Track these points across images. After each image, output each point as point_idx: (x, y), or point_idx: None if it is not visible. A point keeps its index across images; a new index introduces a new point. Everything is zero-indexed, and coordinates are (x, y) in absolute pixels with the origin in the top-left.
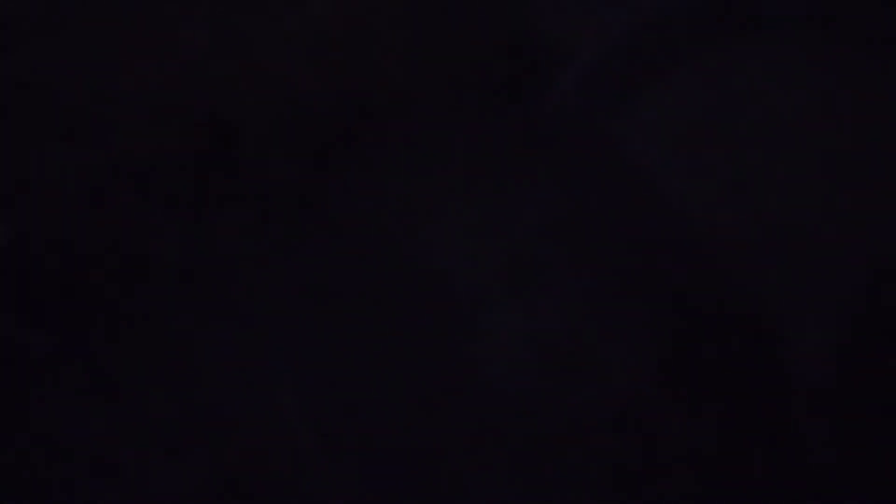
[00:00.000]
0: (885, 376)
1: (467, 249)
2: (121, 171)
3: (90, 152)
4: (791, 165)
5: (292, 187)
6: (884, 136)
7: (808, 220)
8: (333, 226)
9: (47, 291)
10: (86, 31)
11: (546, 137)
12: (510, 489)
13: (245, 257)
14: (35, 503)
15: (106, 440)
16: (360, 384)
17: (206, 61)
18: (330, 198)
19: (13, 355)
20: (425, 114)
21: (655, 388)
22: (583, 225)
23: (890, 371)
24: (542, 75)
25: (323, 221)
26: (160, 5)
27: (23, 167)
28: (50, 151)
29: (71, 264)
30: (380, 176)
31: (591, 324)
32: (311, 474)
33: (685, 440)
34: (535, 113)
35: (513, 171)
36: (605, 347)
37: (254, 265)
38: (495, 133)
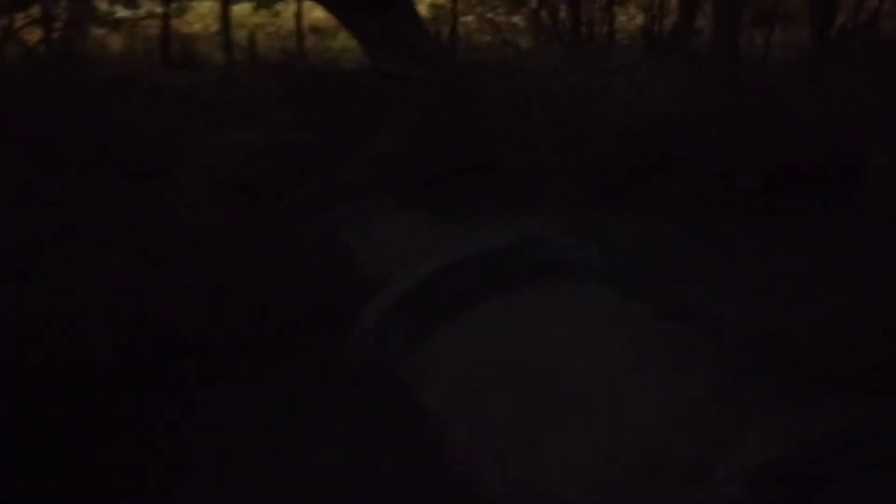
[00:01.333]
0: None
1: None
2: None
3: None
4: (570, 417)
5: None
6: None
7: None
8: None
9: None
10: None
11: (343, 381)
12: None
13: None
14: None
15: None
16: None
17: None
18: None
19: None
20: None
21: None
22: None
23: None
24: (351, 311)
25: None
26: None
27: None
28: None
29: None
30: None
31: None
32: None
33: None
34: (337, 353)
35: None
36: None
37: None
38: (291, 377)
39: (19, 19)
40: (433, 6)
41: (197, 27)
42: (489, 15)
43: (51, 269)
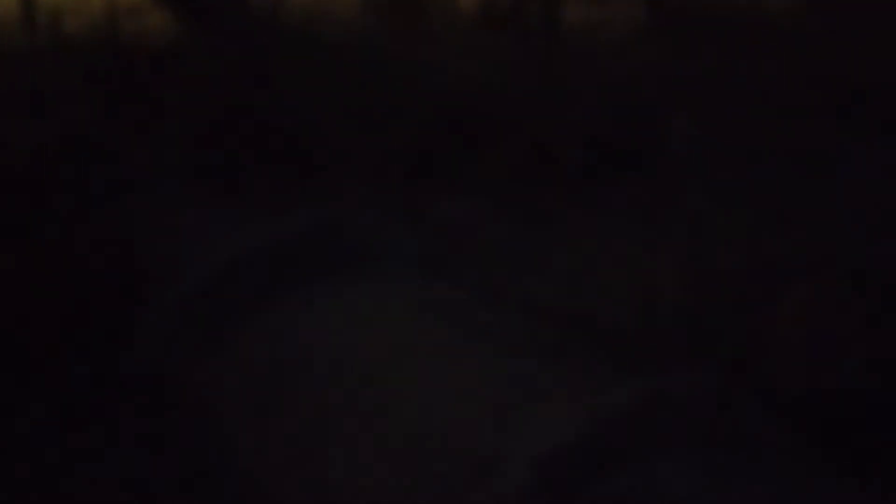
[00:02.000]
0: None
1: None
2: None
3: None
4: (368, 413)
5: None
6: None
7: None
8: None
9: None
10: None
11: (123, 391)
12: None
13: None
14: None
15: None
16: None
17: None
18: None
19: None
20: None
21: None
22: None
23: None
24: (135, 315)
25: None
26: None
27: None
28: None
29: None
30: None
31: None
32: None
33: None
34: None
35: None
36: None
37: None
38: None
39: None
40: None
41: None
42: None
43: None
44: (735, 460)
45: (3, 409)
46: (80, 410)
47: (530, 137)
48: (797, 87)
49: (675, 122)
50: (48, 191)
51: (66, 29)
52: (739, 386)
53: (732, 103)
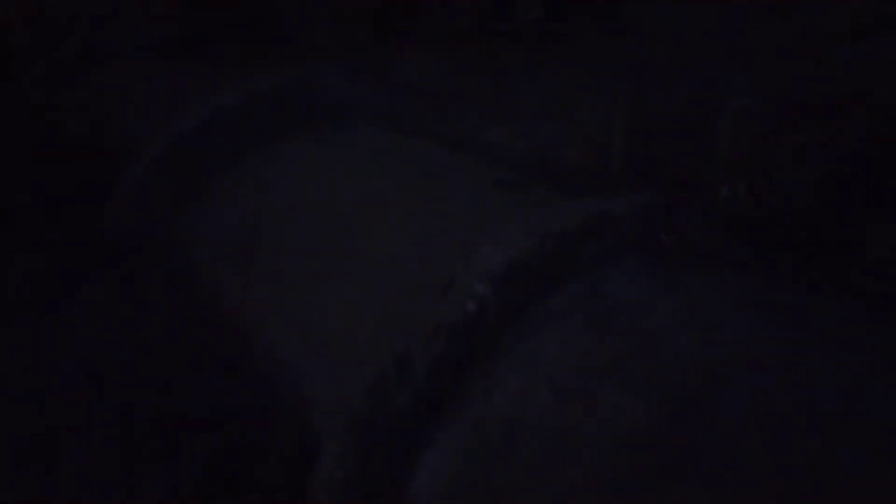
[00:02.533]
0: None
1: None
2: None
3: None
4: (342, 255)
5: None
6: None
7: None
8: None
9: None
10: None
11: (105, 250)
12: None
13: None
14: None
15: None
16: None
17: None
18: None
19: None
20: None
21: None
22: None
23: None
24: (110, 178)
25: None
26: None
27: None
28: None
29: None
30: None
31: None
32: None
33: None
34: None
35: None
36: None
37: None
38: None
39: None
40: None
41: None
42: None
43: None
44: (682, 269)
45: None
46: (60, 276)
47: None
48: None
49: None
50: (23, 63)
51: None
52: (684, 204)
53: None
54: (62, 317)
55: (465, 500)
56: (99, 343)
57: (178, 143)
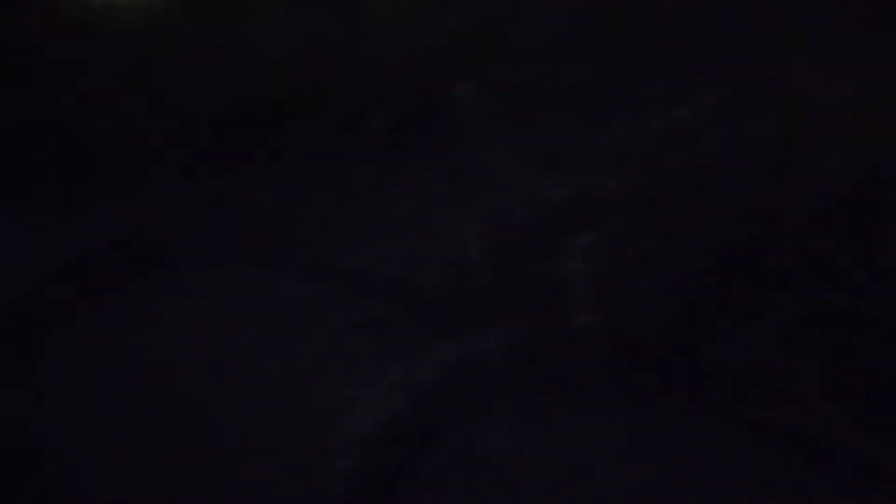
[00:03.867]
0: None
1: None
2: None
3: None
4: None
5: None
6: None
7: None
8: None
9: None
10: None
11: None
12: None
13: None
14: None
15: None
16: None
17: None
18: None
19: None
20: None
21: None
22: None
23: None
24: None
25: None
26: None
27: None
28: None
29: None
30: None
31: None
32: None
33: None
34: None
35: None
36: None
37: None
38: None
39: None
40: None
41: None
42: None
43: None
44: (554, 406)
45: None
46: None
47: (343, 107)
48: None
49: (459, 86)
50: None
51: None
52: (548, 334)
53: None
54: None
55: None
56: None
57: (17, 303)
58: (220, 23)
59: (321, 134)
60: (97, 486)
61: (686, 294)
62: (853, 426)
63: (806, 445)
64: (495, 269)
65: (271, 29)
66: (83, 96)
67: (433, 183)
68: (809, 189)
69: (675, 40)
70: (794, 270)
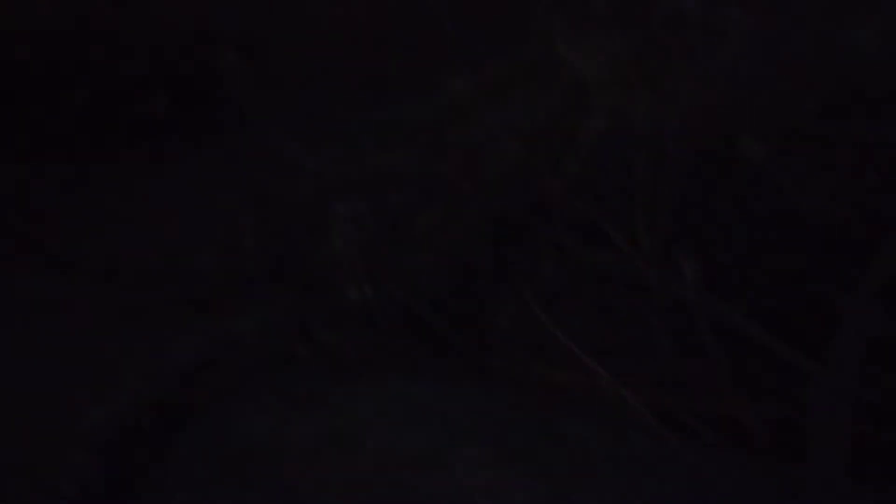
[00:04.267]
0: None
1: None
2: None
3: None
4: None
5: None
6: None
7: None
8: None
9: None
10: None
11: None
12: None
13: None
14: None
15: None
16: None
17: None
18: None
19: None
20: None
21: None
22: None
23: None
24: None
25: None
26: None
27: None
28: None
29: None
30: None
31: None
32: None
33: None
34: None
35: None
36: None
37: None
38: None
39: None
40: None
41: None
42: None
43: None
44: (322, 383)
45: None
46: None
47: (112, 83)
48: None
49: (225, 57)
50: None
51: None
52: (319, 312)
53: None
54: None
55: None
56: None
57: None
58: None
59: (88, 111)
60: None
61: (466, 265)
62: (613, 380)
63: (568, 398)
64: (268, 250)
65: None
66: None
67: (209, 166)
68: (574, 156)
69: (448, 21)
70: (564, 236)
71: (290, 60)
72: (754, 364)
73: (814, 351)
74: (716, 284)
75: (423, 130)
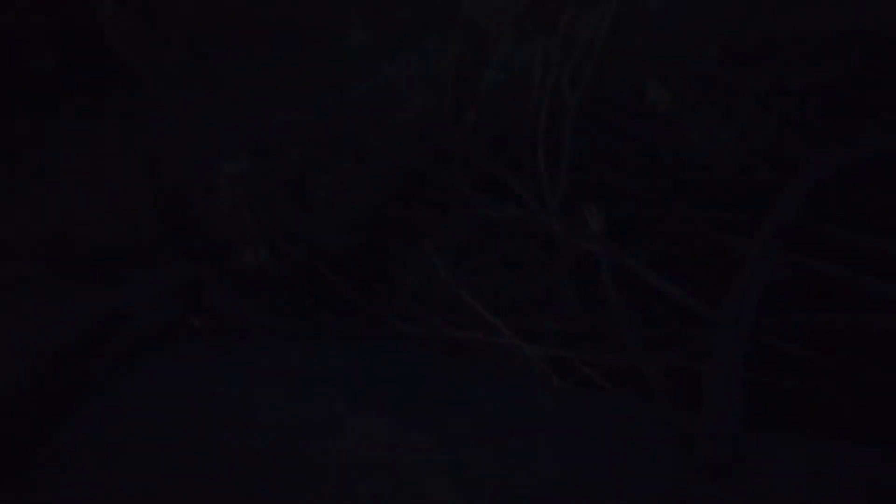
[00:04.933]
0: None
1: None
2: None
3: None
4: None
5: None
6: None
7: None
8: None
9: None
10: None
11: None
12: None
13: None
14: None
15: None
16: None
17: None
18: None
19: None
20: None
21: None
22: None
23: None
24: None
25: None
26: None
27: None
28: None
29: None
30: None
31: None
32: None
33: None
34: None
35: None
36: None
37: None
38: None
39: None
40: None
41: None
42: None
43: None
44: (218, 349)
45: None
46: None
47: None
48: None
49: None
50: None
51: None
52: (214, 279)
53: None
54: None
55: None
56: None
57: None
58: None
59: None
60: None
61: (369, 222)
62: (516, 337)
63: (473, 357)
64: (163, 216)
65: None
66: None
67: (102, 127)
68: (476, 107)
69: None
70: (466, 191)
71: (183, 15)
72: (657, 313)
73: (717, 298)
74: (620, 234)
75: (324, 83)
